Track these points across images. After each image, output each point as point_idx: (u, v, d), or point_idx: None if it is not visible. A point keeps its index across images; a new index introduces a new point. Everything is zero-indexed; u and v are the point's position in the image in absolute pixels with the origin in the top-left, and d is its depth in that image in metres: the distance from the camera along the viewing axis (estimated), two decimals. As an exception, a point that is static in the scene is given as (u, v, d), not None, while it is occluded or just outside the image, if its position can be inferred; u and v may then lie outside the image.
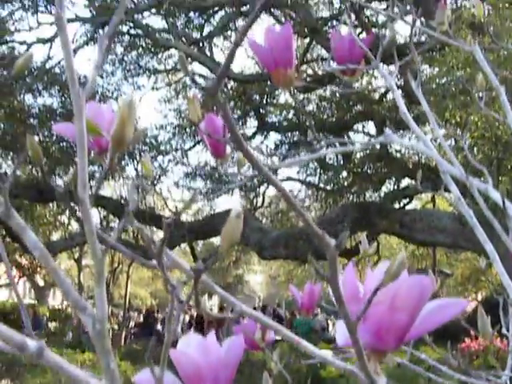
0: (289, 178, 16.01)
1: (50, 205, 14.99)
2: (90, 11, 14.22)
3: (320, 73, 15.03)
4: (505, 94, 1.49)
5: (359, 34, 14.44)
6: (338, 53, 1.69)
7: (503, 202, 1.25)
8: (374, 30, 12.88)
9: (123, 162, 13.00)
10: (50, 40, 13.85)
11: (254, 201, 17.40)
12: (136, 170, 13.50)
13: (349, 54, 1.68)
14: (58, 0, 0.66)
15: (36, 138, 13.30)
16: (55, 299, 27.73)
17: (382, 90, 14.11)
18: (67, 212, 13.66)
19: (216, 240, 19.65)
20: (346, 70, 1.65)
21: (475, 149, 7.82)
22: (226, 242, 0.60)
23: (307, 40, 14.80)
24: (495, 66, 6.69)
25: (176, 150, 15.14)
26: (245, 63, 46.04)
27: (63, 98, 13.25)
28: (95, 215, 13.96)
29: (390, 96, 13.49)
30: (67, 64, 0.65)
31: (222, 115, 0.55)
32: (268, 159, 15.83)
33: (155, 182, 13.85)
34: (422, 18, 11.70)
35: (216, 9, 14.93)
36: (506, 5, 7.72)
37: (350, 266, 0.75)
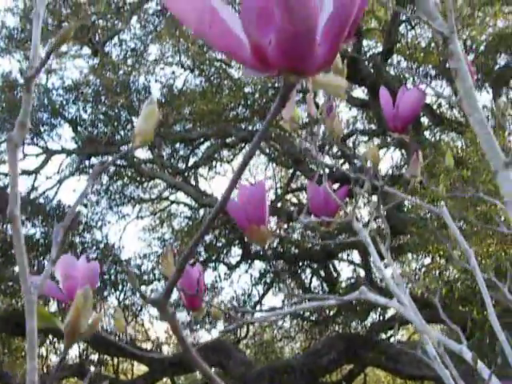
0: (272, 309, 15.77)
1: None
2: (76, 143, 14.45)
3: (304, 202, 15.18)
4: (473, 254, 1.48)
5: (342, 164, 14.72)
6: (314, 204, 1.69)
7: (475, 365, 1.21)
8: (356, 161, 13.11)
9: (105, 293, 12.79)
10: (35, 172, 14.00)
11: (238, 331, 17.08)
12: (118, 300, 13.28)
13: (324, 206, 1.67)
14: (13, 198, 0.63)
15: (16, 269, 13.19)
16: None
17: (366, 219, 14.21)
18: (45, 345, 13.33)
19: (199, 374, 19.10)
20: (322, 221, 1.64)
21: (459, 282, 7.78)
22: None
23: (291, 170, 15.05)
24: (464, 208, 6.75)
25: (159, 279, 14.98)
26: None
27: (46, 229, 13.21)
28: (74, 348, 13.60)
29: (373, 225, 13.54)
30: (19, 258, 0.61)
31: (171, 327, 0.51)
32: (252, 288, 15.70)
33: (137, 313, 13.63)
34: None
35: (201, 140, 15.23)
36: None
37: None
